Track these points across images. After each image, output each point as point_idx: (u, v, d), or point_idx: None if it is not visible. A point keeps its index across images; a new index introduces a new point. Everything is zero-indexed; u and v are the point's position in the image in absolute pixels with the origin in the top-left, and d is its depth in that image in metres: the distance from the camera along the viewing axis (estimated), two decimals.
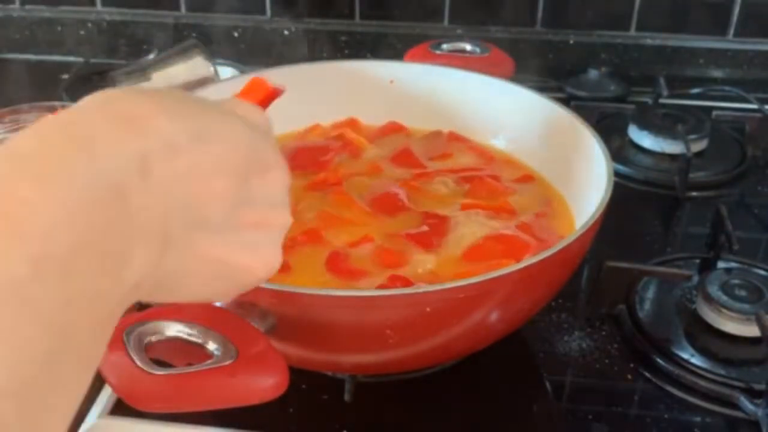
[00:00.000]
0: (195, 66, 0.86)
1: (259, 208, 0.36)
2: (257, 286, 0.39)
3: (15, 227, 0.25)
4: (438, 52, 0.82)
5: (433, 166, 0.72)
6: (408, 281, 0.55)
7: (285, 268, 0.58)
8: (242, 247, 0.36)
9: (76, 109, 0.30)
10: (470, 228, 0.62)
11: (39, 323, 0.25)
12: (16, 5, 1.18)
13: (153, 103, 0.32)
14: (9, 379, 0.24)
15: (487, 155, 0.73)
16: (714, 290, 0.65)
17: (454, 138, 0.76)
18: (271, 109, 0.42)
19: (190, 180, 0.32)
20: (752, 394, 0.58)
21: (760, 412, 0.56)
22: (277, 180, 0.38)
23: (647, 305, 0.67)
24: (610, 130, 0.91)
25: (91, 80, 1.09)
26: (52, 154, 0.27)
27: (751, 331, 0.62)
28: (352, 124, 0.78)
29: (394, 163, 0.72)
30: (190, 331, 0.44)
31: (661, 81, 1.04)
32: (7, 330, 0.24)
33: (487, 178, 0.69)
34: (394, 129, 0.78)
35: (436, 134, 0.77)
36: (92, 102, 0.31)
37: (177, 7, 1.17)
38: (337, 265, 0.58)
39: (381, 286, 0.55)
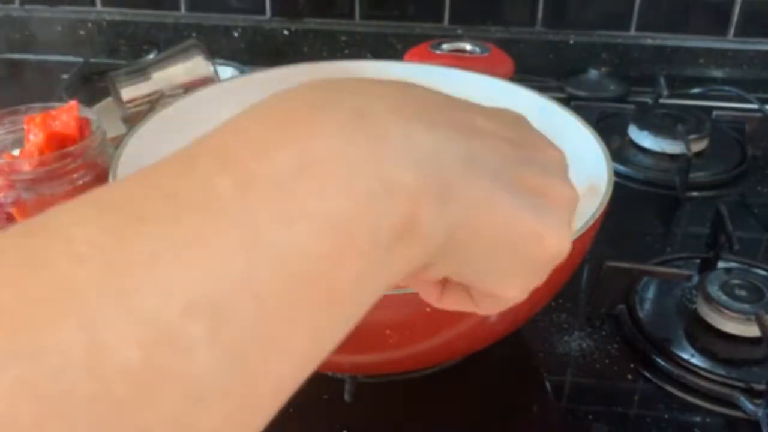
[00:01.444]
0: (195, 66, 0.86)
1: (537, 171, 0.32)
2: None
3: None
4: (438, 52, 0.82)
5: None
6: None
7: None
8: (526, 206, 0.30)
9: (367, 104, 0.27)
10: None
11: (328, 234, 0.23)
12: (16, 5, 1.18)
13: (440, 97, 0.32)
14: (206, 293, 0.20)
15: None
16: (714, 290, 0.65)
17: None
18: None
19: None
20: (752, 394, 0.58)
21: (760, 412, 0.56)
22: (554, 156, 0.35)
23: (647, 305, 0.67)
24: (610, 130, 0.91)
25: (91, 80, 1.09)
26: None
27: (751, 331, 0.62)
28: None
29: None
30: None
31: (661, 81, 1.04)
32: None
33: None
34: None
35: None
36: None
37: (177, 7, 1.17)
38: None
39: None
